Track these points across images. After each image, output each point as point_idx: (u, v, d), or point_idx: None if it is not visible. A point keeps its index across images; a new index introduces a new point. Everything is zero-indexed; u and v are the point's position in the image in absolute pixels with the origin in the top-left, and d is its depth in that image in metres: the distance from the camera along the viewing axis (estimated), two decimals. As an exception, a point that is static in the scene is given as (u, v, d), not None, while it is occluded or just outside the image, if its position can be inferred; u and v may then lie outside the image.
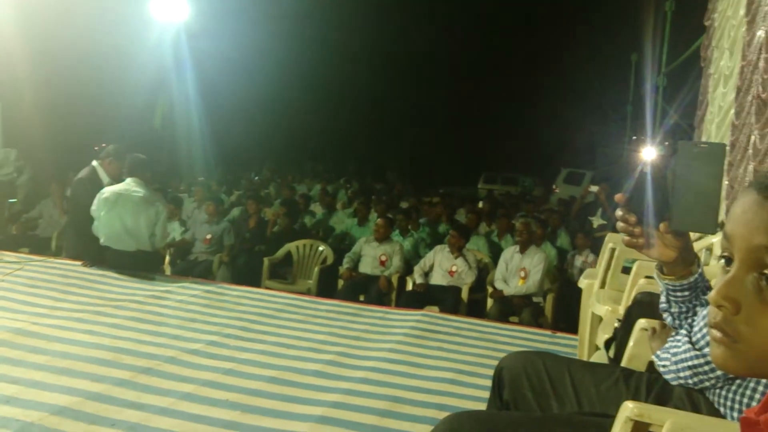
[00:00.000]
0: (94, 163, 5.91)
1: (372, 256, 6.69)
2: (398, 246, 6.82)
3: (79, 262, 5.69)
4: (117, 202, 5.46)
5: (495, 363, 2.00)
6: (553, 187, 20.42)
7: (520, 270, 6.14)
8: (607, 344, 2.70)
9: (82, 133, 11.42)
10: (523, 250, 6.20)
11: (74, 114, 11.85)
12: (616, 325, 2.65)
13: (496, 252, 7.06)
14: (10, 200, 9.05)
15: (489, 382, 2.00)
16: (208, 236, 7.31)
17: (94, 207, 5.49)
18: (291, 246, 7.22)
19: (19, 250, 6.65)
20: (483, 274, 6.61)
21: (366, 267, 6.67)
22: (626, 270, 3.71)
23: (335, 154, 24.18)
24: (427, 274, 6.42)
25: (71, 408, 2.78)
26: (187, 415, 2.84)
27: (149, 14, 12.08)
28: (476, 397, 3.28)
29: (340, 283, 6.65)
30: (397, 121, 28.64)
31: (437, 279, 6.36)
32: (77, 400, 2.85)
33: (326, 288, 6.63)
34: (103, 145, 5.97)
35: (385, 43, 27.12)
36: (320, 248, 7.22)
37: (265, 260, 6.93)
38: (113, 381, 3.10)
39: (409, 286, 6.37)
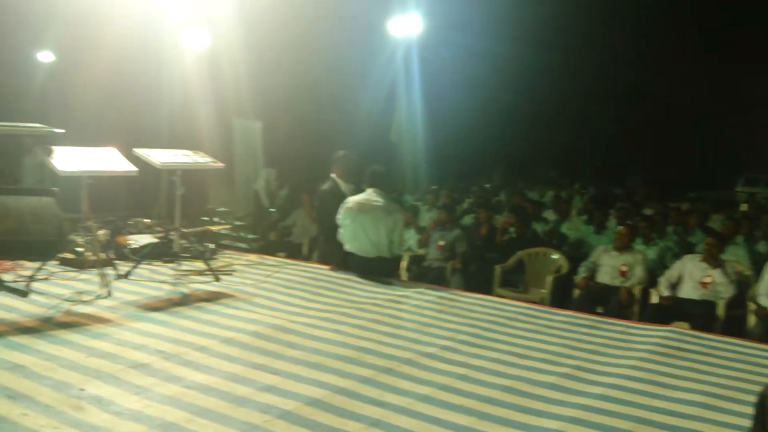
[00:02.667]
0: (333, 174, 6.38)
1: (611, 266, 6.33)
2: (641, 255, 6.36)
3: (327, 267, 6.19)
4: (359, 212, 5.84)
5: (757, 388, 1.77)
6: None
7: (791, 285, 5.37)
8: None
9: (327, 146, 12.44)
10: (794, 263, 5.42)
11: (320, 128, 12.95)
12: None
13: (758, 263, 6.25)
14: (270, 210, 10.18)
15: (750, 410, 1.78)
16: (441, 243, 7.49)
17: (339, 216, 5.94)
18: (523, 254, 7.11)
19: (277, 254, 7.44)
20: (743, 288, 5.89)
21: (604, 277, 6.32)
22: None
23: (569, 159, 23.32)
24: (674, 286, 5.91)
25: (322, 400, 3.02)
26: (425, 416, 2.93)
27: (386, 30, 12.77)
28: (734, 425, 2.94)
29: (576, 292, 6.39)
30: (638, 120, 26.58)
31: (687, 292, 5.81)
32: (327, 394, 3.09)
33: (560, 298, 6.41)
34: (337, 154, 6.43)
35: (620, 38, 25.48)
36: (554, 256, 7.02)
37: (497, 268, 6.90)
38: (358, 378, 3.31)
39: (654, 299, 5.91)
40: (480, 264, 7.27)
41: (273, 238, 9.02)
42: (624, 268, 6.26)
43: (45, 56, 16.15)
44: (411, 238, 8.06)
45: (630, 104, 26.02)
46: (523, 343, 4.16)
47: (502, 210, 9.94)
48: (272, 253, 7.36)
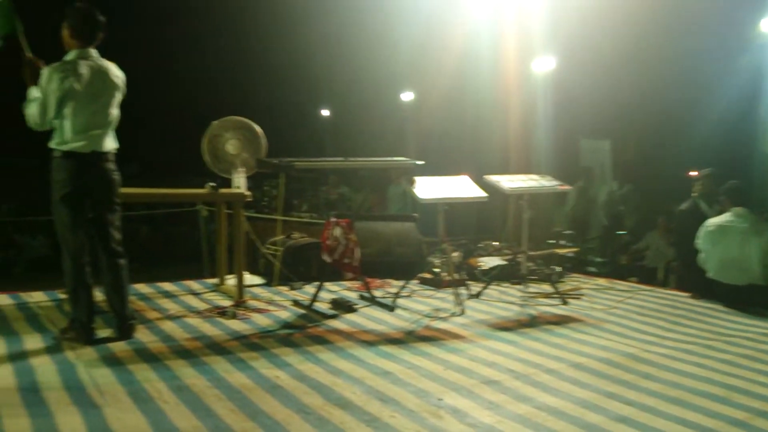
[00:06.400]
0: (694, 194, 5.86)
1: None
2: None
3: (686, 294, 5.67)
4: (722, 235, 5.25)
5: None
6: None
7: None
8: None
9: (680, 162, 11.44)
10: None
11: (673, 143, 11.96)
12: None
13: None
14: (620, 232, 9.72)
15: None
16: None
17: (698, 239, 5.41)
18: None
19: (628, 279, 7.07)
20: None
21: None
22: None
23: None
24: None
25: (683, 440, 2.73)
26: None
27: (748, 30, 11.25)
28: None
29: None
30: None
31: None
32: (689, 433, 2.79)
33: None
34: (694, 173, 5.86)
35: None
36: None
37: None
38: (727, 419, 2.92)
39: None
40: None
41: (624, 262, 8.62)
42: None
43: (406, 96, 18.11)
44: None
45: None
46: None
47: None
48: (623, 278, 7.02)
